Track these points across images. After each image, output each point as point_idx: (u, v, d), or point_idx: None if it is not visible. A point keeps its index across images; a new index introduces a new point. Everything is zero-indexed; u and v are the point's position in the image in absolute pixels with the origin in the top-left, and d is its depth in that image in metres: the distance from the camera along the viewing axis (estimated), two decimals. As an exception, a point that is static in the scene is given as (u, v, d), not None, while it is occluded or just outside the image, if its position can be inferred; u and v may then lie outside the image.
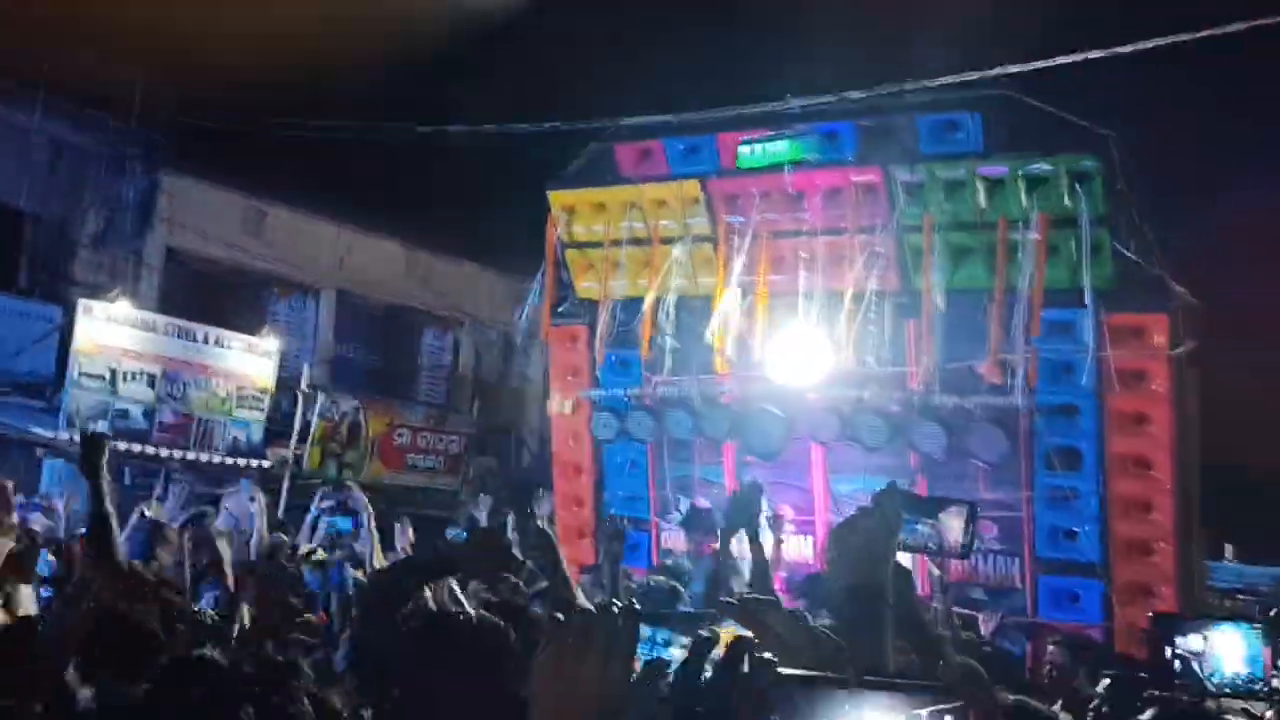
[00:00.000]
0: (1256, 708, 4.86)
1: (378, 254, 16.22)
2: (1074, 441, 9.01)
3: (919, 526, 4.80)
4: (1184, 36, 7.86)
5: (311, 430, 14.16)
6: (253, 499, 8.63)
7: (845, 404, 9.46)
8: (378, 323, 17.11)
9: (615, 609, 1.02)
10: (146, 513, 7.77)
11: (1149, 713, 3.94)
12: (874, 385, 9.39)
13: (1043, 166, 8.73)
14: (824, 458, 9.81)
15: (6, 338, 12.35)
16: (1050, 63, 8.45)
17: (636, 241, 10.50)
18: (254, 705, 2.27)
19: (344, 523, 9.11)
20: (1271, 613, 7.29)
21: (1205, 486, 9.06)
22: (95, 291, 12.82)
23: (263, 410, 13.67)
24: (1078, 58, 8.43)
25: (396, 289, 16.57)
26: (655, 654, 3.74)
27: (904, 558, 4.36)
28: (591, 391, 10.88)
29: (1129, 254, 8.73)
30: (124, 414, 12.44)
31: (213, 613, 6.07)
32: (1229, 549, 12.37)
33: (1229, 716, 4.25)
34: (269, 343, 13.81)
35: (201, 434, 13.03)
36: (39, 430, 11.94)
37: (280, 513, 13.42)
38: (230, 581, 6.29)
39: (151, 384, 12.64)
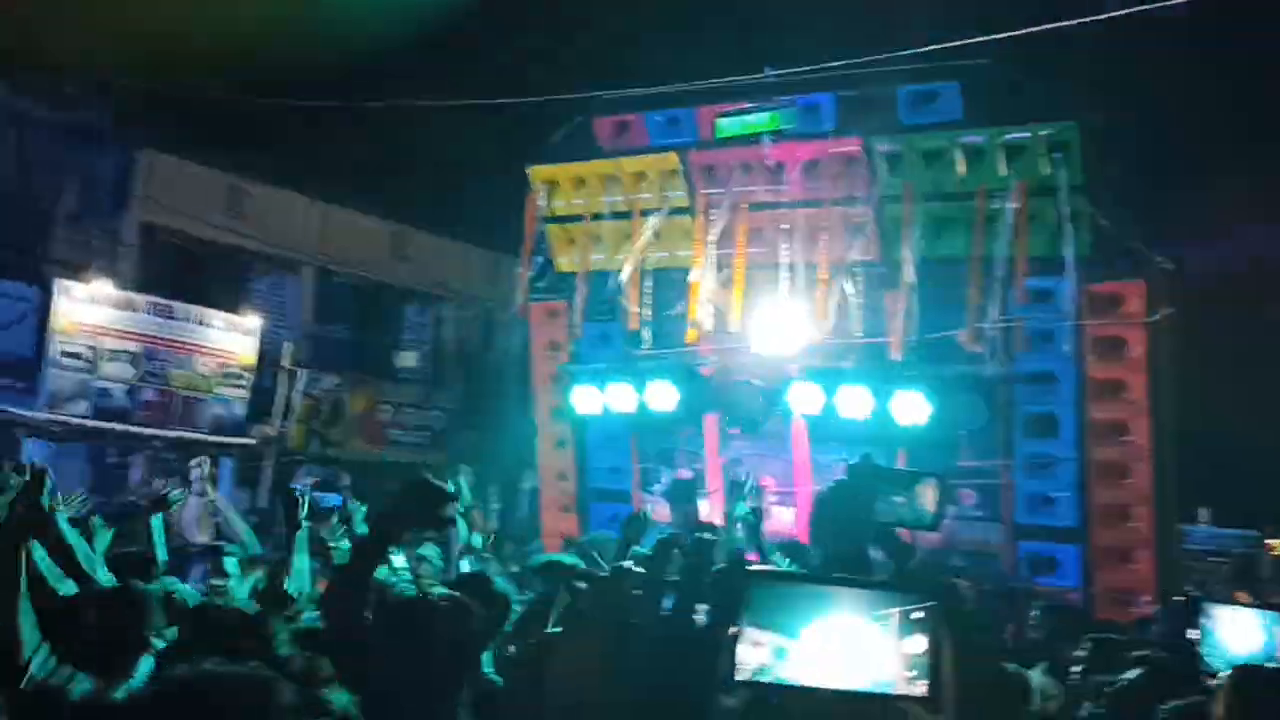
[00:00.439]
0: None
1: (357, 230, 16.13)
2: (1052, 409, 9.10)
3: (893, 498, 4.87)
4: (1161, 4, 7.87)
5: (294, 407, 14.14)
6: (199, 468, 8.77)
7: (826, 375, 9.51)
8: (358, 299, 17.04)
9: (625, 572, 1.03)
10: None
11: (1134, 672, 4.01)
12: (854, 356, 9.44)
13: (1021, 135, 8.76)
14: (805, 429, 9.87)
15: (-17, 318, 12.26)
16: (1028, 31, 8.46)
17: (616, 215, 10.51)
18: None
19: (329, 499, 9.15)
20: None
21: (1181, 451, 9.15)
22: (72, 270, 12.72)
23: (245, 388, 13.62)
24: (1056, 26, 8.44)
25: (377, 265, 16.50)
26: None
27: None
28: (571, 365, 10.90)
29: (1106, 222, 8.79)
30: (105, 393, 12.39)
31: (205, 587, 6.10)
32: (1203, 512, 12.51)
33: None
34: (250, 320, 13.75)
35: (183, 412, 12.99)
36: (17, 411, 11.88)
37: (266, 489, 13.44)
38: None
39: (132, 362, 12.57)
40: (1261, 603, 7.05)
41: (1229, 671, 3.50)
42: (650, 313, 10.32)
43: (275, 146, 13.40)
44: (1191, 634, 5.23)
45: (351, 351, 16.83)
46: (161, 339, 12.82)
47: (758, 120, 9.71)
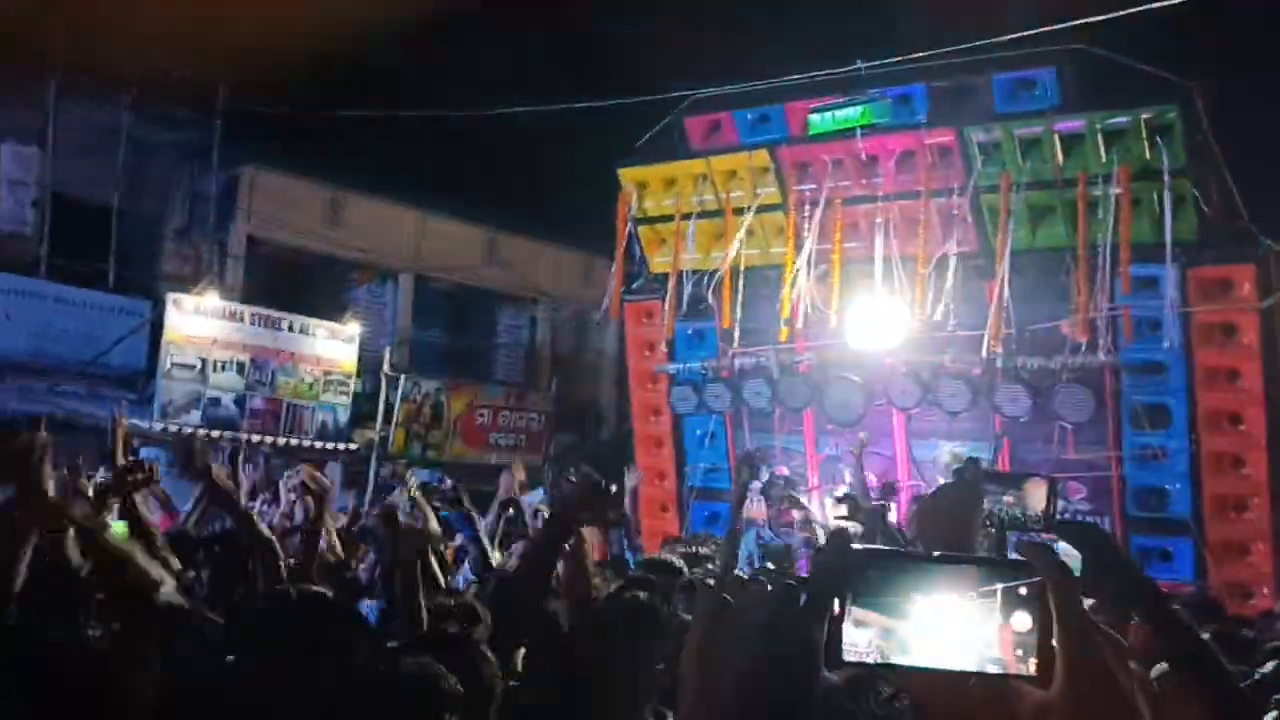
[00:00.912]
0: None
1: (452, 236, 16.41)
2: (1161, 398, 8.88)
3: (1002, 499, 4.80)
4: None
5: (395, 412, 14.43)
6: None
7: (925, 369, 9.40)
8: (455, 304, 17.33)
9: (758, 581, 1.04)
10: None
11: (1271, 664, 3.89)
12: (954, 349, 9.32)
13: (1121, 119, 8.56)
14: (904, 424, 9.77)
15: (99, 333, 12.75)
16: (1127, 12, 8.26)
17: (707, 214, 10.52)
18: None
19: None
20: None
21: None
22: (181, 284, 13.18)
23: (348, 394, 13.98)
24: (1155, 5, 8.23)
25: (472, 270, 16.76)
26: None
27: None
28: (668, 365, 10.95)
29: (1213, 203, 8.55)
30: (215, 402, 12.82)
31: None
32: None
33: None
34: (350, 328, 14.10)
35: (290, 419, 13.36)
36: (133, 421, 12.34)
37: (369, 493, 13.73)
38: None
39: (240, 372, 13.00)
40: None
41: None
42: (744, 310, 10.31)
43: (371, 158, 13.69)
44: None
45: (449, 356, 17.12)
46: (268, 348, 13.23)
47: (849, 114, 9.62)
